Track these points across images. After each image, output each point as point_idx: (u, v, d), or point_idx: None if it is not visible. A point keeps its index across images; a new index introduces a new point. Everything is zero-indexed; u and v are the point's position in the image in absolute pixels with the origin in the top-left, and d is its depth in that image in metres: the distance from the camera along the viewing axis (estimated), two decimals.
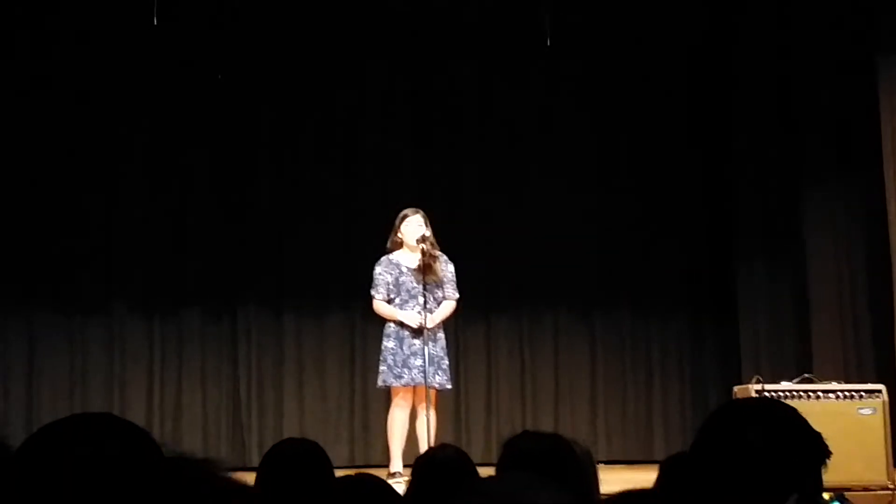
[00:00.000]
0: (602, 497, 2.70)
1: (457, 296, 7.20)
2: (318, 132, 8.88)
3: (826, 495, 1.94)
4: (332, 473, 2.87)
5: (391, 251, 7.17)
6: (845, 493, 3.23)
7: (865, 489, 6.35)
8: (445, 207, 8.50)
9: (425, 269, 7.01)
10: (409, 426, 7.06)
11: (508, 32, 8.82)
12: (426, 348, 6.86)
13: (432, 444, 6.60)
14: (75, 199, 8.59)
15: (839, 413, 6.50)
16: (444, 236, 7.40)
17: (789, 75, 8.34)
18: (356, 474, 2.09)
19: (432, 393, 6.89)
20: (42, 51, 8.55)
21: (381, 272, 7.13)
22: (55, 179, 8.57)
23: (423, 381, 6.89)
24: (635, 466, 8.23)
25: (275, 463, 2.88)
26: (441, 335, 7.14)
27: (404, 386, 7.00)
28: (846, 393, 6.71)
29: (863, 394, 6.70)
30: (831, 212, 8.14)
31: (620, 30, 8.93)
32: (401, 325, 7.02)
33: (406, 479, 3.04)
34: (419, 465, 2.95)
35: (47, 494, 1.38)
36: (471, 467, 2.88)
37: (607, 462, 8.47)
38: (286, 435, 7.50)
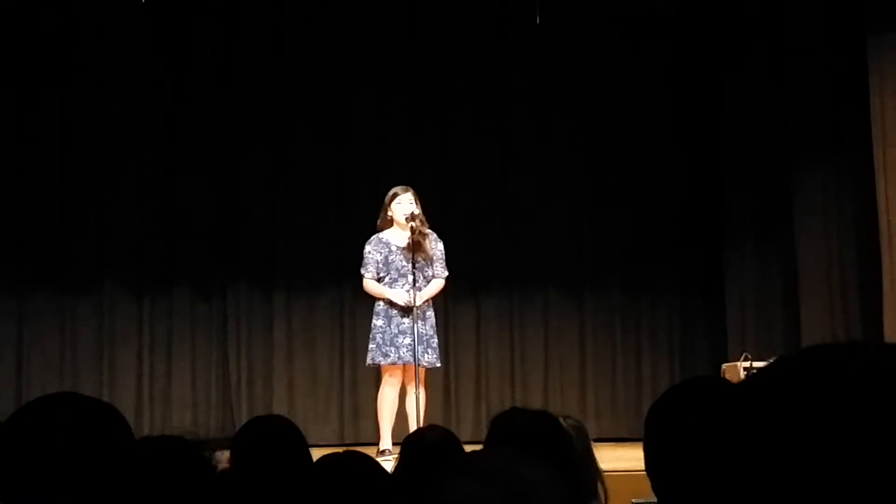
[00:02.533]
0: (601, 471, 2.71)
1: (446, 274, 7.22)
2: (308, 112, 8.85)
3: None
4: (307, 449, 2.87)
5: (381, 230, 7.18)
6: None
7: None
8: (436, 186, 8.50)
9: (415, 247, 7.02)
10: (399, 404, 7.09)
11: (498, 9, 8.80)
12: (415, 326, 6.88)
13: (422, 422, 6.63)
14: (66, 179, 8.57)
15: None
16: (435, 215, 7.42)
17: (781, 58, 8.33)
18: (344, 451, 2.10)
19: (422, 371, 6.91)
20: (34, 33, 8.50)
21: (371, 251, 7.14)
22: (46, 160, 8.55)
23: (411, 360, 6.91)
24: (625, 444, 8.25)
25: (247, 440, 2.89)
26: (431, 313, 7.16)
27: (392, 364, 7.02)
28: None
29: None
30: (821, 194, 8.15)
31: (612, 9, 8.90)
32: (390, 303, 7.04)
33: (395, 456, 3.05)
34: (408, 444, 2.96)
35: (22, 474, 1.39)
36: (459, 448, 2.89)
37: (596, 440, 8.46)
38: (276, 412, 7.52)
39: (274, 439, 2.84)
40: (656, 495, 1.81)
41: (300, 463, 2.05)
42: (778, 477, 0.78)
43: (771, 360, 0.87)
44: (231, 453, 2.91)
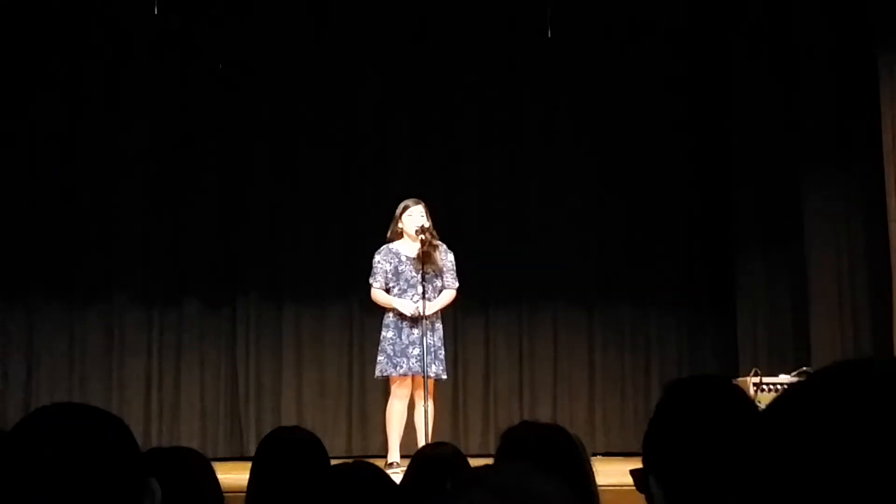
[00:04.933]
0: (598, 488, 2.70)
1: (456, 285, 7.21)
2: (317, 122, 8.86)
3: None
4: (328, 462, 2.87)
5: (391, 240, 7.19)
6: None
7: None
8: (445, 198, 8.51)
9: (424, 259, 7.02)
10: (408, 416, 7.08)
11: (509, 23, 8.80)
12: (424, 338, 6.87)
13: (430, 435, 6.62)
14: (75, 187, 8.58)
15: None
16: (444, 228, 7.41)
17: (789, 67, 8.32)
18: (353, 462, 2.09)
19: (430, 383, 6.90)
20: (42, 38, 8.53)
21: (380, 261, 7.15)
22: (55, 168, 8.56)
23: (419, 371, 6.90)
24: (633, 458, 8.22)
25: (271, 450, 2.88)
26: (439, 325, 7.15)
27: (402, 375, 7.01)
28: None
29: None
30: (831, 205, 8.12)
31: (619, 20, 8.91)
32: (399, 315, 7.04)
33: (403, 469, 3.04)
34: (416, 459, 2.96)
35: (24, 487, 1.38)
36: (465, 466, 2.88)
37: (605, 454, 8.48)
38: (284, 424, 7.50)
39: (296, 451, 2.83)
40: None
41: (319, 475, 2.05)
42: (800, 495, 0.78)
43: (797, 382, 0.88)
44: (253, 463, 2.91)
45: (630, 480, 2.04)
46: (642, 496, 1.97)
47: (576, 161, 9.02)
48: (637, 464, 2.02)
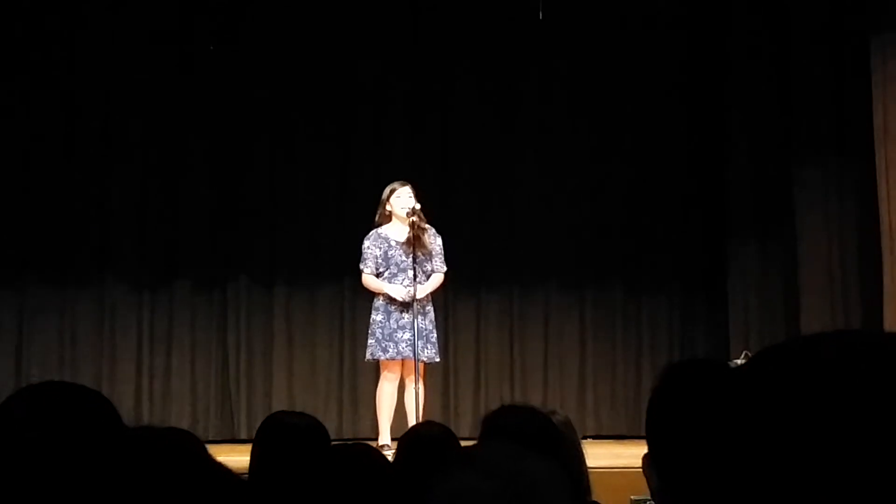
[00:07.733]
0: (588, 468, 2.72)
1: (445, 268, 7.22)
2: (311, 107, 8.85)
3: None
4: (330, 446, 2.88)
5: (380, 225, 7.18)
6: None
7: None
8: (439, 182, 8.51)
9: (415, 242, 7.02)
10: (398, 399, 7.10)
11: (503, 6, 8.79)
12: (415, 322, 6.88)
13: (421, 418, 6.64)
14: (68, 170, 8.56)
15: None
16: (436, 211, 7.42)
17: (785, 55, 8.32)
18: (351, 443, 2.10)
19: (421, 366, 6.91)
20: (35, 24, 8.50)
21: (370, 246, 7.15)
22: (48, 152, 8.54)
23: (410, 355, 6.91)
24: (623, 441, 8.26)
25: (273, 434, 2.89)
26: (430, 309, 7.17)
27: (391, 359, 7.03)
28: None
29: None
30: (824, 193, 8.13)
31: (613, 4, 8.90)
32: (389, 298, 7.05)
33: (394, 451, 3.05)
34: (405, 440, 2.97)
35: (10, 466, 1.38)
36: (456, 445, 2.89)
37: (595, 437, 8.51)
38: (275, 408, 7.52)
39: (299, 437, 2.84)
40: (659, 484, 1.80)
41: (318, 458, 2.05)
42: (775, 468, 0.79)
43: (761, 351, 0.88)
44: (254, 445, 2.92)
45: (620, 463, 2.04)
46: (630, 478, 1.97)
47: (570, 145, 9.00)
48: (627, 447, 2.01)
